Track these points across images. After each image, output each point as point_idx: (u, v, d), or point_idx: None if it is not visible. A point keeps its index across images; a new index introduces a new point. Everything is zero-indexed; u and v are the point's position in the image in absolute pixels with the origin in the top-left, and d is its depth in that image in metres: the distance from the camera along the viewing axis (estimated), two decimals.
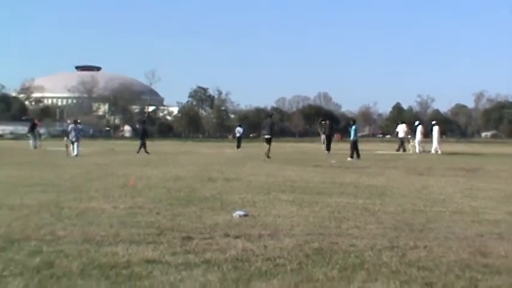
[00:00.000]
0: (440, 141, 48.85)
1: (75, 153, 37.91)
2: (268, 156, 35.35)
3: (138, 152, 42.22)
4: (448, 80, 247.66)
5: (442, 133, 53.47)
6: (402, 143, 47.27)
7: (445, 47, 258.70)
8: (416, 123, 50.56)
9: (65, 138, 40.86)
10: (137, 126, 62.81)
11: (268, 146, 36.87)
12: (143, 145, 43.47)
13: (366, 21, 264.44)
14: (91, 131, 53.43)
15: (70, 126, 41.61)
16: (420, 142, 47.46)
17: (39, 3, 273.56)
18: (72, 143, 38.98)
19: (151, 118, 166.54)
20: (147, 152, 41.82)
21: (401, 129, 48.17)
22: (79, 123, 42.67)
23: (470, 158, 39.33)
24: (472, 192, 16.69)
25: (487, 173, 24.80)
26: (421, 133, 47.80)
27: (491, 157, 41.52)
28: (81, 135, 42.62)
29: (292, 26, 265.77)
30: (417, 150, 46.36)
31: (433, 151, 46.37)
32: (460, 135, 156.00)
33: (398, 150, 46.42)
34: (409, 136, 48.97)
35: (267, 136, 38.15)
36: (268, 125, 39.53)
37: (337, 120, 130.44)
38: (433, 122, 52.99)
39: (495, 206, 13.64)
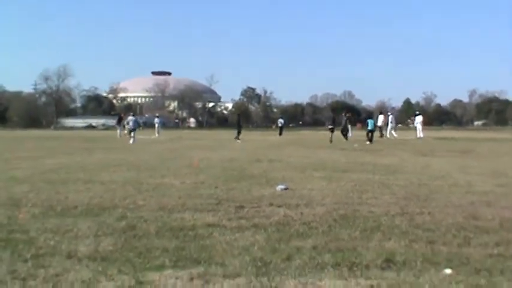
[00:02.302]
0: (423, 129, 46.68)
1: (130, 141, 35.75)
2: (330, 141, 36.04)
3: (236, 139, 41.53)
4: (448, 78, 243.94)
5: (425, 122, 51.68)
6: (381, 130, 45.87)
7: (447, 51, 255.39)
8: (389, 113, 49.66)
9: (125, 127, 39.85)
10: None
11: (331, 134, 38.13)
12: (238, 133, 43.05)
13: (384, 30, 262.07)
14: (157, 120, 53.10)
15: (129, 118, 40.27)
16: (392, 129, 46.33)
17: (122, 20, 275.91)
18: (130, 131, 37.65)
19: (211, 112, 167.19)
20: (238, 139, 41.24)
21: (380, 119, 46.76)
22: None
23: (465, 142, 38.79)
24: (466, 169, 16.49)
25: (478, 154, 24.50)
26: (386, 121, 46.42)
27: (482, 141, 40.91)
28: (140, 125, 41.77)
29: (324, 37, 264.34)
30: (389, 136, 45.02)
31: (419, 135, 45.26)
32: (457, 124, 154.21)
33: (381, 136, 44.14)
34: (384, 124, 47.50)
35: (330, 126, 39.60)
36: (330, 118, 40.70)
37: (358, 113, 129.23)
38: (417, 112, 52.05)
39: (485, 180, 13.47)
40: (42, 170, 16.04)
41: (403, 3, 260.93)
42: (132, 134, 37.10)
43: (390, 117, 47.01)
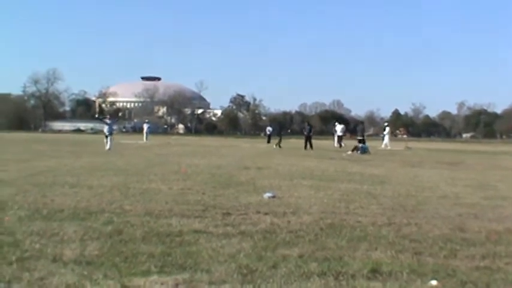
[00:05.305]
0: (390, 139, 48.87)
1: (107, 147, 33.14)
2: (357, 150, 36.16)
3: (275, 146, 43.26)
4: (437, 90, 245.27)
5: (392, 132, 53.99)
6: (340, 139, 45.85)
7: (437, 63, 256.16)
8: (338, 123, 49.58)
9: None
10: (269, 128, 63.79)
11: (358, 144, 37.28)
12: (280, 140, 44.28)
13: (374, 41, 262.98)
14: (146, 125, 52.63)
15: (107, 121, 37.09)
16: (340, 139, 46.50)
17: (113, 25, 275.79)
18: (106, 137, 34.44)
19: (199, 119, 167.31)
20: (279, 146, 41.97)
21: (340, 128, 46.71)
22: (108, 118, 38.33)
23: (453, 154, 39.00)
24: (454, 181, 16.56)
25: (466, 166, 24.62)
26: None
27: (470, 154, 41.15)
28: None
29: (313, 46, 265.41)
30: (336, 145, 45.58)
31: (383, 147, 45.80)
32: (446, 136, 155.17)
33: (340, 146, 44.04)
34: (346, 134, 48.15)
35: (359, 138, 38.95)
36: (360, 130, 40.35)
37: (347, 122, 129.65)
38: (386, 124, 52.97)
39: (472, 192, 13.54)
40: (29, 172, 15.97)
41: (393, 15, 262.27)
42: (108, 139, 34.20)
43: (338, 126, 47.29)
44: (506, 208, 10.87)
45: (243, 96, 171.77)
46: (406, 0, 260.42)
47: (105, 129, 35.50)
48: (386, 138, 47.86)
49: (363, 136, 39.36)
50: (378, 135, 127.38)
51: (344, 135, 48.34)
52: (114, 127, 39.35)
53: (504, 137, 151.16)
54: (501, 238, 7.73)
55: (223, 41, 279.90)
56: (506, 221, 9.23)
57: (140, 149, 35.50)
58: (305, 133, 42.77)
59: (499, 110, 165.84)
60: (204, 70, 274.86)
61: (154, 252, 6.35)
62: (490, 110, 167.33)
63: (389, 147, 45.31)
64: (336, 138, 47.14)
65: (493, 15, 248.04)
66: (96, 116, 54.28)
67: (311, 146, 40.33)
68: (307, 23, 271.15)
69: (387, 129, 49.01)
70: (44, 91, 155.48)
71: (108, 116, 43.28)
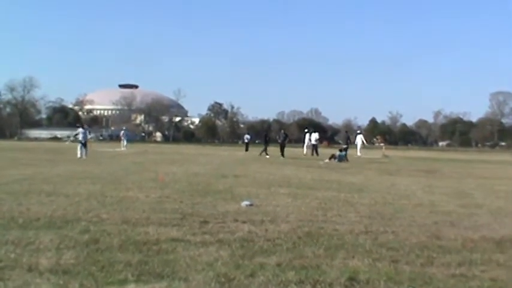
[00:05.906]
0: (362, 147, 48.74)
1: (79, 155, 33.06)
2: (347, 160, 35.21)
3: (260, 155, 41.51)
4: (414, 98, 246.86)
5: (367, 141, 54.77)
6: (315, 147, 45.96)
7: (413, 72, 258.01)
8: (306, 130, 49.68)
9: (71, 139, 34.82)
10: (247, 135, 63.05)
11: (345, 153, 36.85)
12: (265, 149, 42.54)
13: (351, 50, 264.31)
14: (123, 133, 52.28)
15: (78, 130, 35.93)
16: (308, 146, 46.80)
17: (90, 32, 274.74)
18: (83, 144, 33.89)
19: (177, 126, 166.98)
20: (267, 155, 40.80)
21: (314, 137, 46.62)
22: (85, 127, 38.03)
23: (430, 162, 39.25)
24: (431, 189, 16.66)
25: (442, 174, 24.80)
26: (310, 140, 47.07)
27: (446, 162, 41.46)
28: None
29: (291, 56, 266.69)
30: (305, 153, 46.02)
31: (359, 154, 46.04)
32: (422, 144, 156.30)
33: (312, 154, 44.47)
34: (321, 143, 48.43)
35: (344, 146, 38.89)
36: (344, 138, 40.15)
37: (325, 130, 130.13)
38: (358, 131, 53.37)
39: (448, 200, 13.63)
40: (4, 181, 15.81)
41: (370, 23, 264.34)
42: (83, 147, 33.81)
43: (308, 135, 47.47)
44: (481, 216, 10.96)
45: (221, 104, 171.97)
46: (382, 10, 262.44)
47: (80, 136, 35.05)
48: (359, 146, 48.20)
49: (347, 144, 39.58)
50: (354, 143, 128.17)
51: (320, 143, 48.55)
52: (90, 135, 38.96)
53: (479, 145, 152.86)
54: (476, 246, 7.79)
55: (201, 49, 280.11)
56: (481, 228, 9.30)
57: (117, 157, 35.27)
58: (279, 141, 42.88)
59: (474, 119, 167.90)
60: (182, 78, 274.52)
61: (131, 261, 6.31)
62: (465, 118, 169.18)
63: (362, 156, 45.56)
64: (305, 146, 47.36)
65: (469, 26, 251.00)
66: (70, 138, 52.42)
67: (282, 153, 40.39)
68: (285, 32, 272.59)
69: (358, 137, 49.35)
70: (20, 99, 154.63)
71: (83, 125, 42.48)
